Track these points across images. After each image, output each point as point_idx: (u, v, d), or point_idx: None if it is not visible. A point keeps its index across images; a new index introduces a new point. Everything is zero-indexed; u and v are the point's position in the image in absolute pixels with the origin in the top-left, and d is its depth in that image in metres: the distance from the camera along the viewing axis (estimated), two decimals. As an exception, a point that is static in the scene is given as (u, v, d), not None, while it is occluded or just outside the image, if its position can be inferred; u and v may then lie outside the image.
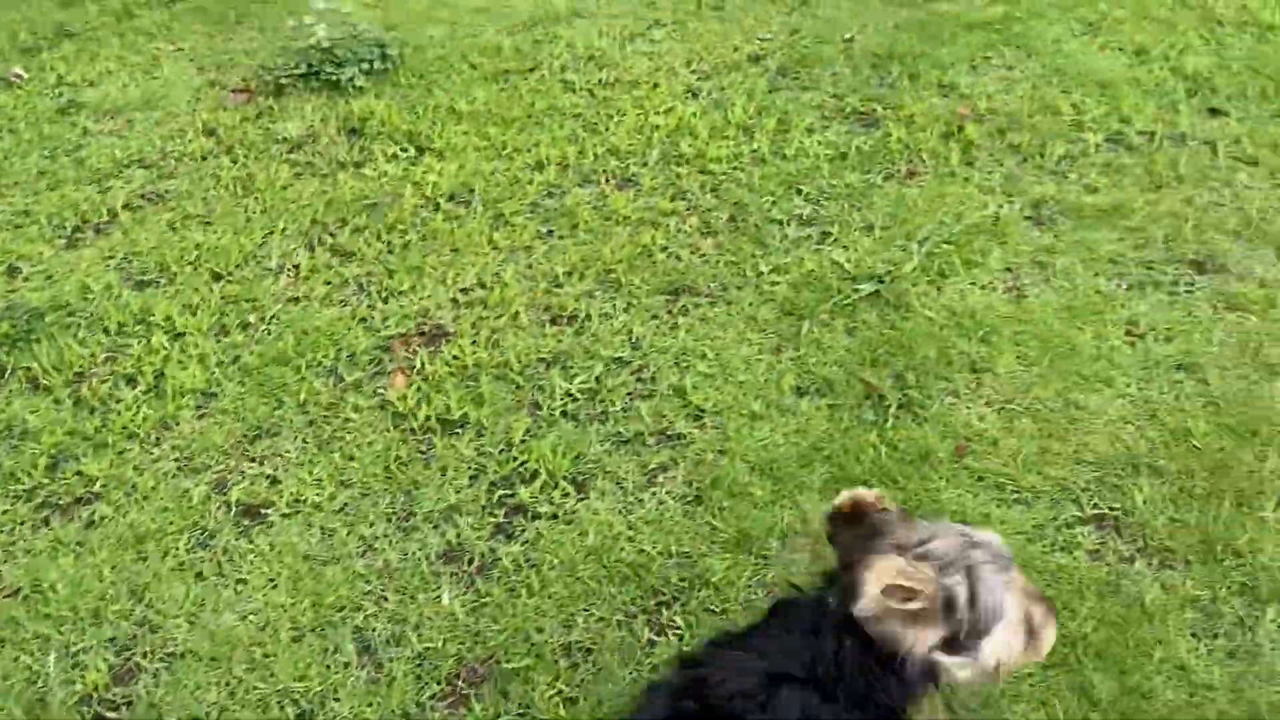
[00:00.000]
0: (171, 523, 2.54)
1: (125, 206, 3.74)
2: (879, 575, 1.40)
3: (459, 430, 2.76)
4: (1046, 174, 3.54)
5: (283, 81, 4.41)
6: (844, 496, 1.56)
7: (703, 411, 2.76)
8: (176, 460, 2.71)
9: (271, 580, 2.40)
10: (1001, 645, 1.46)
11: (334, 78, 4.37)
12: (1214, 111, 3.77)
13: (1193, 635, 2.15)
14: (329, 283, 3.32)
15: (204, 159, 4.00)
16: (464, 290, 3.25)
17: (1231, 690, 2.05)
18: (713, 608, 2.28)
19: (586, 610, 2.30)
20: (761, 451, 2.62)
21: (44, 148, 4.09)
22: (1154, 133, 3.66)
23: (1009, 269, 3.15)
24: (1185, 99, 3.83)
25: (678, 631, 2.25)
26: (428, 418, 2.78)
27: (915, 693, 1.48)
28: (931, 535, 1.47)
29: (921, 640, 1.43)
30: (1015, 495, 2.47)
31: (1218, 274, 3.05)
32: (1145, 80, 3.95)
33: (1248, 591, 2.22)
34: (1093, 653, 2.10)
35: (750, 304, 3.09)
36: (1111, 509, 2.42)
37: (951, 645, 1.43)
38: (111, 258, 3.51)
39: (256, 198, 3.73)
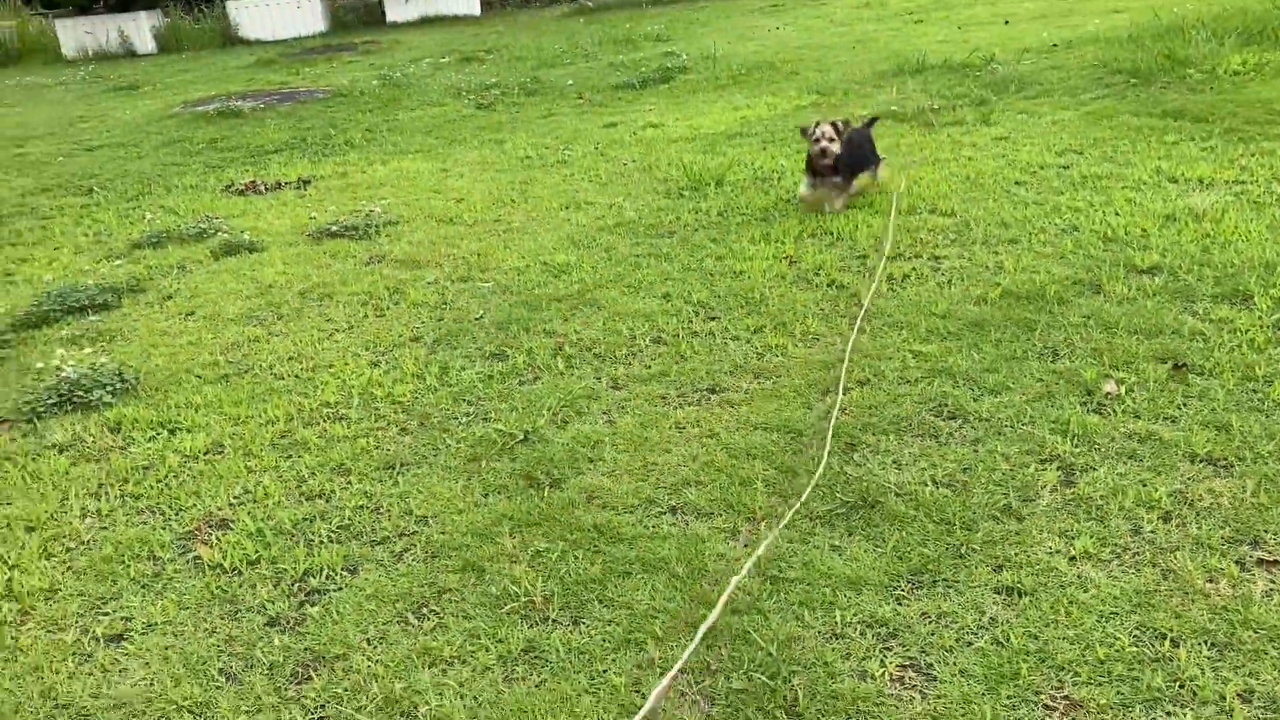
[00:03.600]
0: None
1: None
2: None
3: (257, 564, 4.02)
4: (619, 363, 5.50)
5: (39, 411, 5.57)
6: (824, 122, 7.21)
7: (425, 518, 4.23)
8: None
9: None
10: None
11: (85, 400, 5.61)
12: (711, 318, 5.99)
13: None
14: (127, 514, 4.49)
15: (-16, 470, 5.02)
16: (236, 497, 4.55)
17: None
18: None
19: (375, 619, 3.62)
20: (466, 530, 4.11)
21: None
22: (678, 333, 5.78)
23: (605, 413, 4.98)
24: (694, 315, 6.04)
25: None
26: (234, 563, 4.02)
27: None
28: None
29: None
30: (628, 506, 4.12)
31: (719, 393, 5.05)
32: (671, 310, 6.16)
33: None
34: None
35: (444, 460, 4.66)
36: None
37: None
38: (-71, 537, 4.43)
39: (43, 481, 4.83)
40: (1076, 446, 4.22)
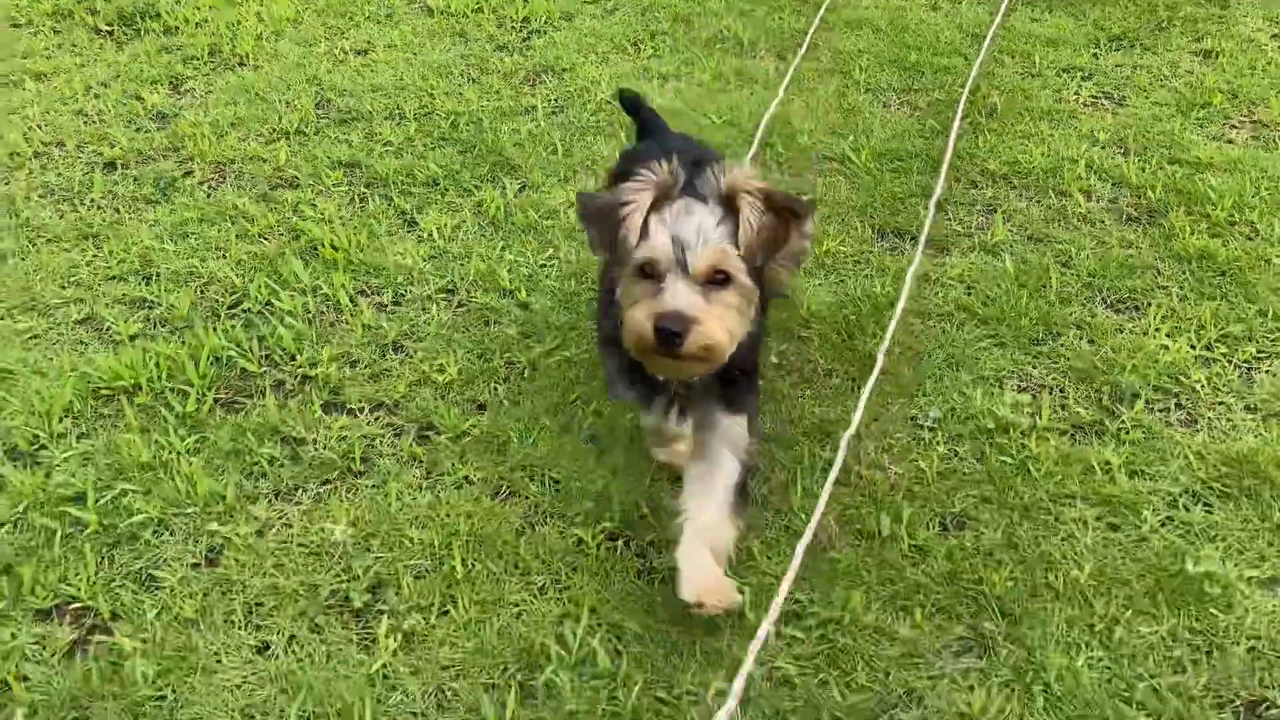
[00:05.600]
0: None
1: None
2: None
3: (479, 11, 4.33)
4: None
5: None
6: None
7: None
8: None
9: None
10: None
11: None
12: None
13: None
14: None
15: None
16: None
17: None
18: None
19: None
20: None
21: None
22: None
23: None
24: None
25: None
26: (458, 8, 4.33)
27: None
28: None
29: None
30: None
31: None
32: None
33: None
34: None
35: None
36: None
37: None
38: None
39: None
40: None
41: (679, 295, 1.57)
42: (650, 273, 1.61)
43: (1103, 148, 3.07)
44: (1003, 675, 1.71)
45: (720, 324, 1.59)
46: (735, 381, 1.82)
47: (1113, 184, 2.92)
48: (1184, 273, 2.56)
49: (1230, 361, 2.32)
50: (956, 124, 3.10)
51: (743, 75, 3.65)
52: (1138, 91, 3.34)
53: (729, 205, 1.63)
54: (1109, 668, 1.71)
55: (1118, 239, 2.69)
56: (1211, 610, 1.78)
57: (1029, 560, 1.88)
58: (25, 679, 1.81)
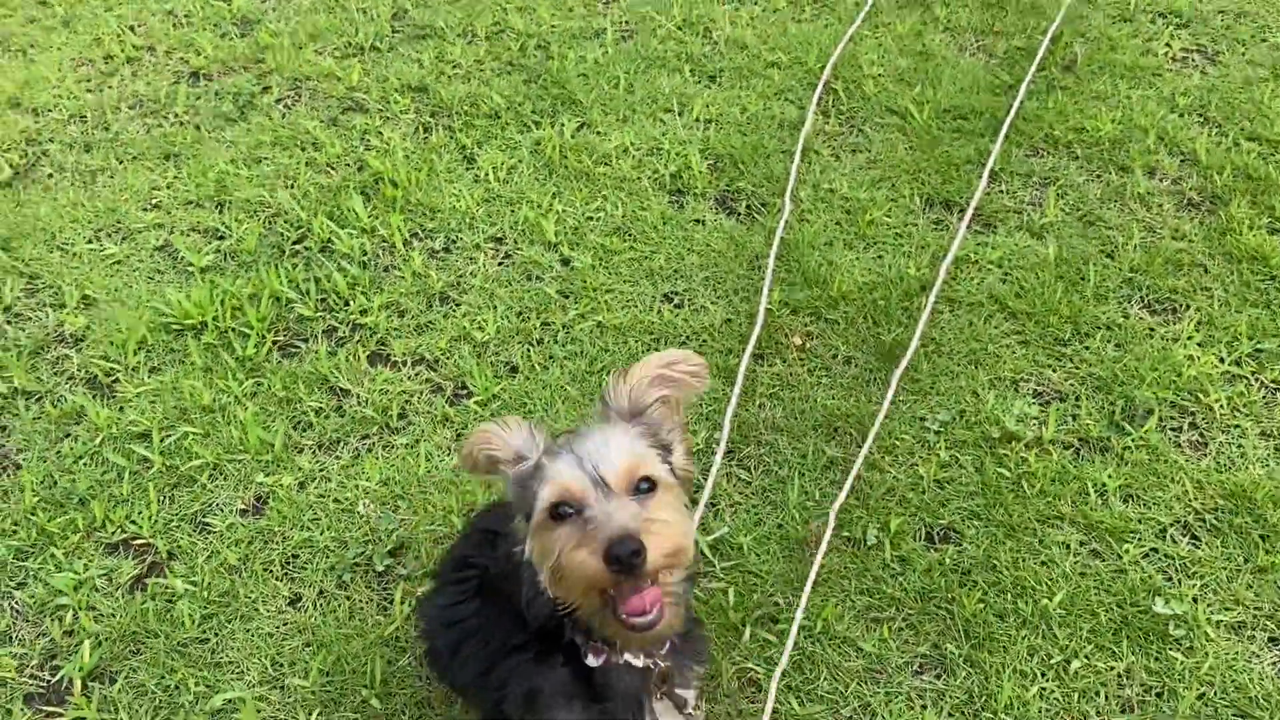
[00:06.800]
0: None
1: None
2: None
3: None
4: None
5: None
6: None
7: None
8: None
9: None
10: None
11: None
12: None
13: None
14: None
15: None
16: None
17: None
18: None
19: None
20: None
21: None
22: None
23: None
24: None
25: None
26: None
27: None
28: None
29: None
30: None
31: None
32: None
33: None
34: None
35: None
36: None
37: None
38: None
39: None
40: None
41: (615, 514, 1.31)
42: (566, 512, 1.35)
43: (1181, 115, 2.95)
44: (956, 698, 1.82)
45: (676, 524, 1.35)
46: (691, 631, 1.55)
47: (1181, 160, 2.82)
48: (1231, 274, 2.50)
49: (1256, 379, 2.30)
50: (1026, 82, 3.00)
51: (820, 1, 3.55)
52: (1234, 46, 3.16)
53: (635, 415, 1.46)
54: (1058, 700, 1.81)
55: (1171, 229, 2.63)
56: (1171, 653, 1.85)
57: (1004, 583, 1.97)
58: (93, 609, 2.07)
